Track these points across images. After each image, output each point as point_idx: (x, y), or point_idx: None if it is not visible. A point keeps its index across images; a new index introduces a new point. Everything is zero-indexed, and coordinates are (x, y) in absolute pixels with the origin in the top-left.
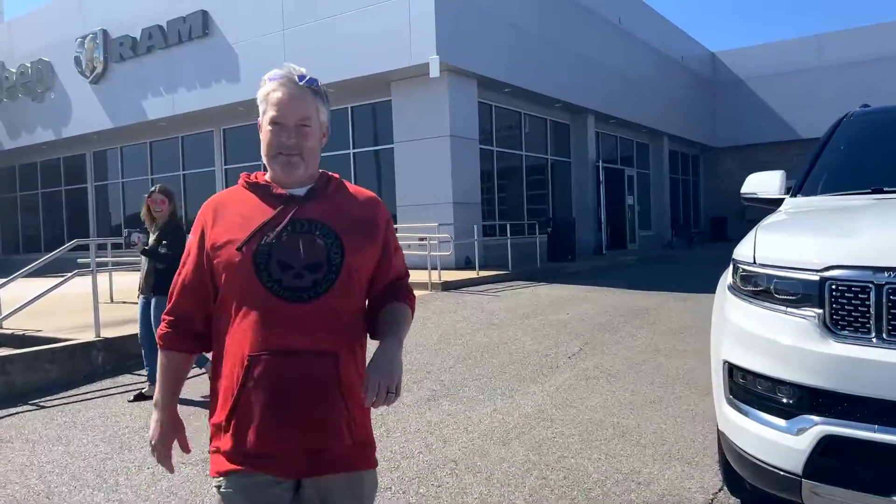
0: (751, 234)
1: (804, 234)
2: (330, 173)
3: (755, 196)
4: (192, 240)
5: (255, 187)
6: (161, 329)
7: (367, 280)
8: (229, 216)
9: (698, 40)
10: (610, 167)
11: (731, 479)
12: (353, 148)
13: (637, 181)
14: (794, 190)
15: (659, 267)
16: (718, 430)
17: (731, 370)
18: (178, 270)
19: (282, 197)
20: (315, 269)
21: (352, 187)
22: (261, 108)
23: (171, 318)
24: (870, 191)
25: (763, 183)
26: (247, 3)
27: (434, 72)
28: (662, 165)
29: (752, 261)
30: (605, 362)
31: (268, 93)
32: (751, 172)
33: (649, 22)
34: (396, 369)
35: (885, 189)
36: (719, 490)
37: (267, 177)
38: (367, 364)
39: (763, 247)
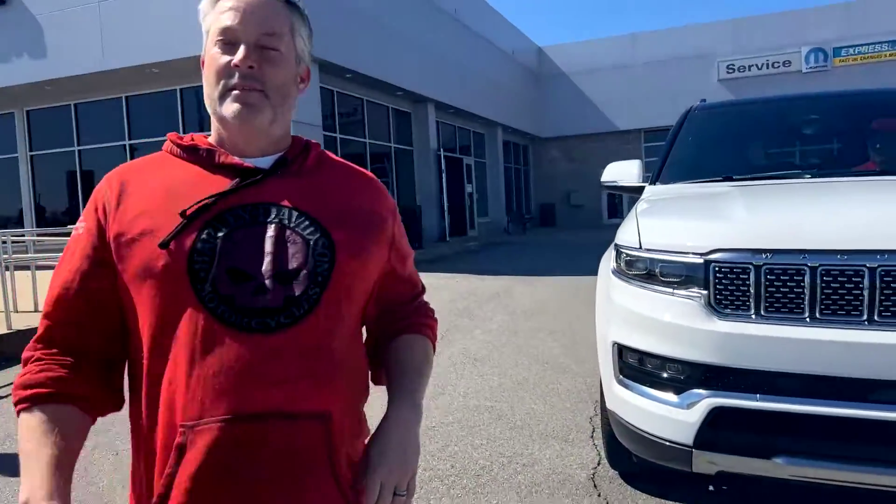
0: (631, 221)
1: (684, 219)
2: (307, 139)
3: (616, 184)
4: (81, 229)
5: (191, 153)
6: (24, 375)
7: (366, 297)
8: (147, 194)
9: (526, 34)
10: (450, 156)
11: (614, 454)
12: (130, 139)
13: (475, 169)
14: (653, 178)
15: (501, 252)
16: (606, 408)
17: (621, 351)
18: (53, 278)
19: (235, 168)
20: (288, 279)
21: (339, 161)
22: (204, 29)
23: (43, 352)
24: (721, 178)
25: (622, 172)
26: None
27: None
28: (497, 154)
29: (637, 246)
30: (470, 347)
31: (215, 1)
32: (573, 161)
33: (482, 14)
34: (410, 457)
35: (734, 177)
36: (598, 464)
37: (210, 139)
38: (368, 438)
39: (647, 232)
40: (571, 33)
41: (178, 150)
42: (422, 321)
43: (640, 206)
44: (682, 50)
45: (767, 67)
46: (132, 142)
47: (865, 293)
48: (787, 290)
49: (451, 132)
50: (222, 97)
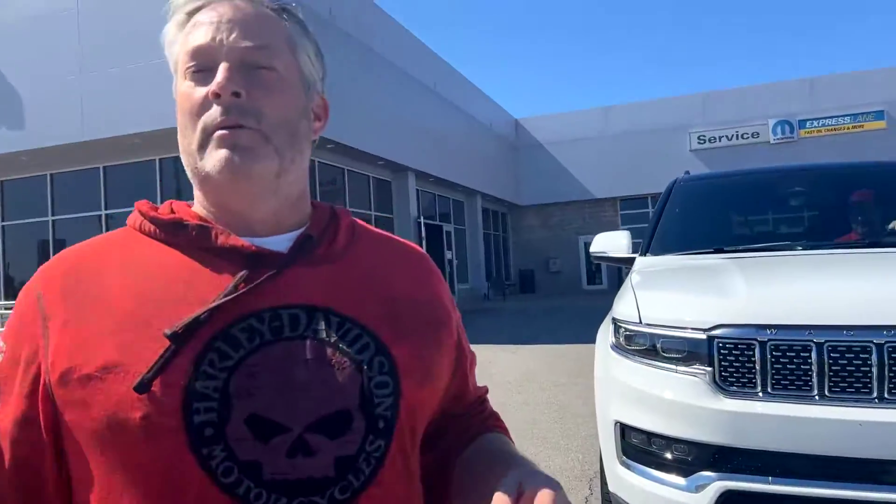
0: (628, 294)
1: (684, 293)
2: (332, 205)
3: (606, 255)
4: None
5: (173, 231)
6: None
7: (425, 426)
8: (109, 300)
9: (503, 107)
10: (430, 223)
11: None
12: (106, 209)
13: (455, 236)
14: (642, 250)
15: (482, 319)
16: (608, 490)
17: (623, 430)
18: None
19: (240, 254)
20: (338, 427)
21: (376, 232)
22: (171, 63)
23: None
24: (711, 250)
25: (612, 242)
26: (35, 39)
27: None
28: (477, 222)
29: (637, 320)
30: None
31: (184, 22)
32: (551, 228)
33: (461, 88)
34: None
35: (724, 249)
36: None
37: (197, 208)
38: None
39: (647, 306)
40: (547, 105)
41: (153, 226)
42: (495, 422)
43: (635, 278)
44: (655, 122)
45: (737, 138)
46: (108, 212)
47: (874, 370)
48: (794, 366)
49: (430, 200)
50: (202, 146)
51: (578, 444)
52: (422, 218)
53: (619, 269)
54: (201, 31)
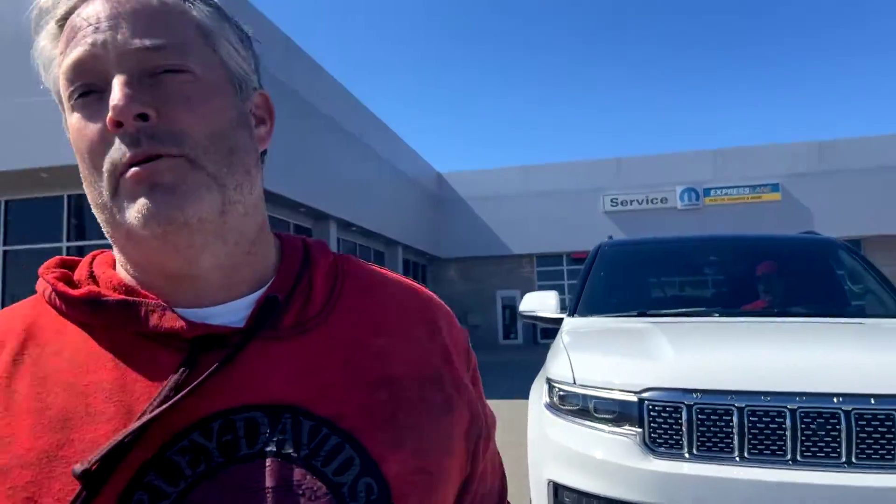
0: (562, 355)
1: (617, 356)
2: (304, 239)
3: (534, 314)
4: None
5: (89, 311)
6: None
7: None
8: (5, 413)
9: (428, 161)
10: None
11: None
12: (4, 245)
13: None
14: (570, 310)
15: None
16: None
17: (557, 489)
18: None
19: (176, 338)
20: None
21: (365, 270)
22: (54, 92)
23: None
24: (635, 314)
25: (541, 302)
26: None
27: None
28: (398, 273)
29: (571, 381)
30: None
31: (57, 34)
32: (471, 282)
33: (387, 139)
34: None
35: (647, 312)
36: None
37: (120, 270)
38: None
39: (580, 368)
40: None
41: (63, 303)
42: None
43: (566, 338)
44: (572, 183)
45: (647, 203)
46: (7, 248)
47: (788, 433)
48: (717, 429)
49: (351, 249)
50: (115, 194)
51: None
52: None
53: (533, 326)
54: (78, 39)
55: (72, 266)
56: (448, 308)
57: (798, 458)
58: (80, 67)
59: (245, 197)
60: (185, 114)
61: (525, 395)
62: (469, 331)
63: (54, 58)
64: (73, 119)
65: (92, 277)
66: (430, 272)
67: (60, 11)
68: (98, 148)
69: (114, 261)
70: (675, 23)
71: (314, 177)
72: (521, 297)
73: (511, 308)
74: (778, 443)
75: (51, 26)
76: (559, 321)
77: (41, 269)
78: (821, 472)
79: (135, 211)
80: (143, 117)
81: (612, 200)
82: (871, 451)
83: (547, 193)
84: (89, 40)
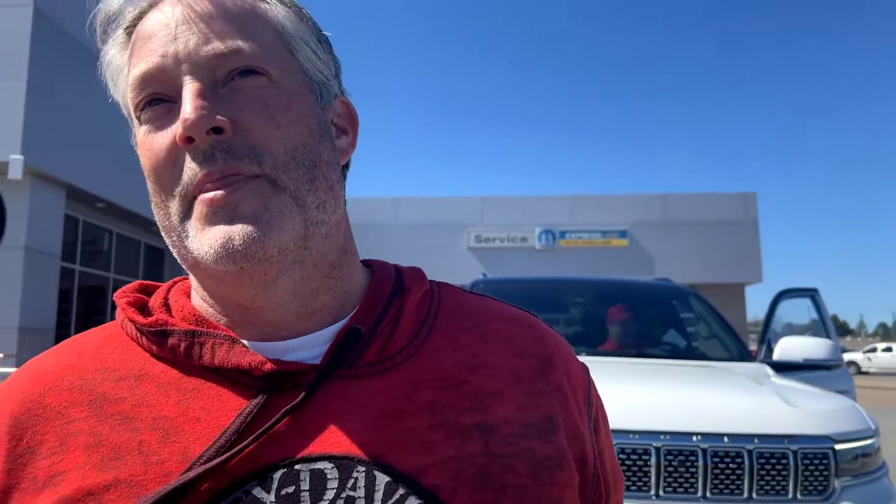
0: None
1: None
2: (394, 266)
3: None
4: None
5: (158, 341)
6: None
7: None
8: (53, 465)
9: None
10: None
11: None
12: None
13: None
14: None
15: None
16: None
17: None
18: None
19: (247, 375)
20: None
21: (464, 298)
22: (123, 105)
23: None
24: None
25: None
26: None
27: (15, 173)
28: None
29: None
30: None
31: (126, 42)
32: None
33: None
34: None
35: None
36: None
37: (196, 299)
38: None
39: None
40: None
41: (138, 332)
42: None
43: None
44: (438, 217)
45: (509, 241)
46: None
47: (652, 470)
48: (637, 468)
49: None
50: (184, 218)
51: None
52: None
53: None
54: (147, 47)
55: (150, 292)
56: (566, 342)
57: (661, 493)
58: (149, 77)
59: (328, 216)
60: (263, 124)
61: None
62: None
63: (122, 67)
64: (141, 133)
65: (166, 305)
66: None
67: (129, 18)
68: (167, 164)
69: (190, 288)
70: (540, 75)
71: None
72: None
73: None
74: (643, 479)
75: (119, 35)
76: None
77: (117, 294)
78: None
79: (208, 242)
80: (216, 130)
81: (476, 237)
82: (724, 486)
83: (415, 226)
84: (159, 48)
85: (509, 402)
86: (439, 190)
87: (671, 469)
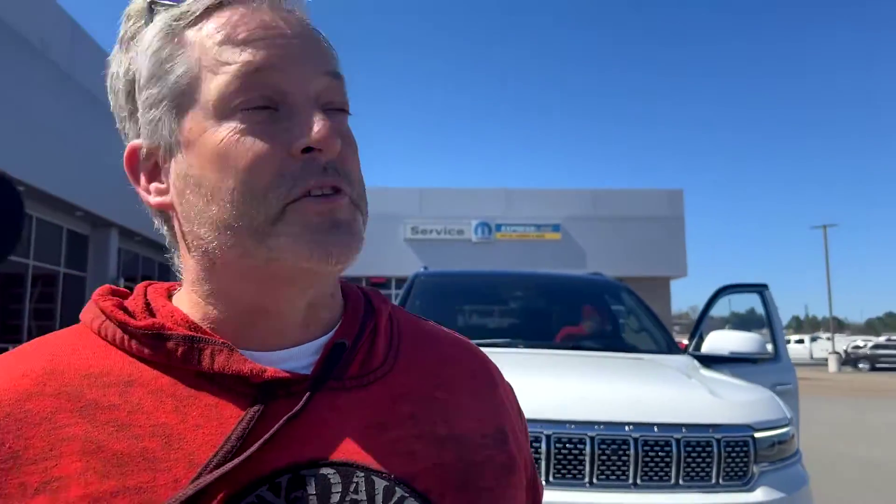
0: None
1: None
2: (364, 289)
3: None
4: None
5: (151, 346)
6: None
7: None
8: (48, 475)
9: None
10: (130, 286)
11: None
12: None
13: None
14: None
15: None
16: None
17: None
18: None
19: (245, 382)
20: None
21: (415, 322)
22: (176, 87)
23: None
24: None
25: None
26: None
27: None
28: None
29: None
30: None
31: (189, 24)
32: None
33: None
34: None
35: None
36: None
37: (183, 299)
38: None
39: None
40: None
41: (124, 336)
42: None
43: None
44: (375, 208)
45: (446, 233)
46: None
47: (587, 458)
48: (572, 456)
49: (134, 261)
50: (276, 221)
51: None
52: (122, 279)
53: None
54: (253, 47)
55: (122, 296)
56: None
57: (594, 480)
58: (264, 79)
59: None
60: (352, 158)
61: None
62: None
63: (185, 45)
64: (231, 129)
65: (149, 310)
66: None
67: (200, 7)
68: (268, 168)
69: (168, 293)
70: (476, 68)
71: (94, 176)
72: None
73: None
74: (578, 467)
75: (171, 23)
76: None
77: (95, 296)
78: (612, 492)
79: (311, 242)
80: (333, 135)
81: (412, 228)
82: (653, 474)
83: None
84: (276, 53)
85: (471, 416)
86: (377, 180)
87: (605, 458)
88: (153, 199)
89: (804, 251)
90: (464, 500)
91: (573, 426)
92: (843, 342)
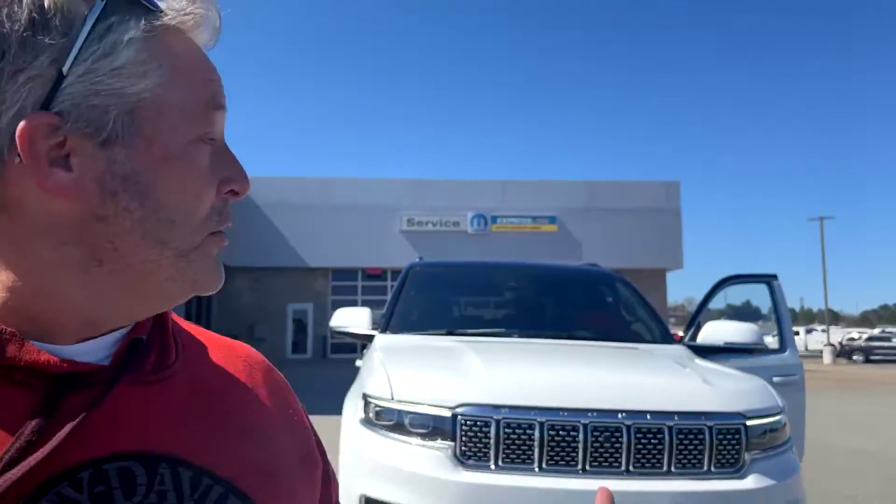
0: (378, 371)
1: (433, 373)
2: None
3: (346, 330)
4: None
5: None
6: None
7: None
8: None
9: None
10: None
11: None
12: None
13: None
14: (382, 327)
15: None
16: None
17: (367, 503)
18: None
19: (39, 374)
20: None
21: (188, 326)
22: (152, 83)
23: None
24: (444, 332)
25: (352, 318)
26: None
27: None
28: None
29: (389, 397)
30: None
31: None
32: (259, 293)
33: None
34: None
35: (455, 331)
36: None
37: None
38: None
39: (398, 384)
40: (262, 168)
41: None
42: None
43: (380, 355)
44: (371, 199)
45: (441, 225)
46: None
47: (580, 445)
48: (521, 442)
49: None
50: (196, 248)
51: None
52: None
53: (323, 339)
54: (216, 79)
55: None
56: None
57: (587, 467)
58: (221, 112)
59: None
60: None
61: (320, 410)
62: (255, 344)
63: (153, 60)
64: (191, 155)
65: None
66: None
67: (188, 20)
68: (208, 201)
69: None
70: (471, 62)
71: None
72: (313, 311)
73: (301, 322)
74: (571, 454)
75: (155, 23)
76: (371, 337)
77: None
78: (606, 479)
79: (213, 271)
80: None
81: (408, 220)
82: (645, 461)
83: (346, 207)
84: (221, 90)
85: (264, 410)
86: (372, 172)
87: (597, 445)
88: (51, 185)
89: (800, 244)
90: (266, 488)
91: (566, 413)
92: (839, 334)
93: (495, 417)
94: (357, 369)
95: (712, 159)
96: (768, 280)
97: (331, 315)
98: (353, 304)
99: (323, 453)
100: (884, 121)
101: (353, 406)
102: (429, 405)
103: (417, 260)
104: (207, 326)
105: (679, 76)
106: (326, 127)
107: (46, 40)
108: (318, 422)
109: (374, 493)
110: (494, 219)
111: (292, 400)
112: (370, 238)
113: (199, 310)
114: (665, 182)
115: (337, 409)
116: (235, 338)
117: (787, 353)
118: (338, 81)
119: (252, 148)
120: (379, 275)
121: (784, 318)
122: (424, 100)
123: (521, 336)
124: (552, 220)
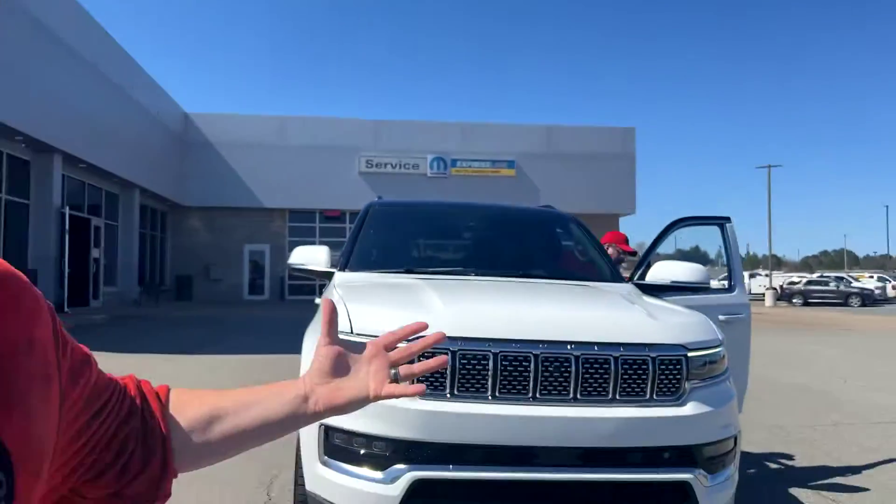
0: (339, 307)
1: (391, 307)
2: None
3: (305, 267)
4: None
5: None
6: None
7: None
8: None
9: (174, 98)
10: (76, 215)
11: None
12: None
13: (105, 233)
14: (341, 265)
15: (134, 326)
16: (307, 491)
17: (328, 431)
18: None
19: None
20: None
21: None
22: None
23: None
24: (403, 270)
25: (311, 256)
26: None
27: None
28: (132, 219)
29: (349, 331)
30: None
31: None
32: (215, 233)
33: (126, 70)
34: None
35: (413, 270)
36: None
37: None
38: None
39: (357, 318)
40: (222, 105)
41: None
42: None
43: (340, 291)
44: (330, 140)
45: (401, 167)
46: None
47: (531, 375)
48: (476, 372)
49: (79, 189)
50: None
51: (257, 453)
52: (66, 208)
53: (280, 280)
54: None
55: None
56: (16, 271)
57: (537, 395)
58: None
59: None
60: None
61: (279, 349)
62: (211, 285)
63: None
64: None
65: None
66: (170, 220)
67: None
68: None
69: None
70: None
71: (36, 101)
72: (270, 253)
73: (258, 263)
74: (523, 383)
75: None
76: (330, 275)
77: None
78: (554, 406)
79: None
80: None
81: (367, 162)
82: (592, 389)
83: (304, 148)
84: None
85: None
86: (331, 111)
87: (547, 374)
88: None
89: (750, 192)
90: (8, 413)
91: (518, 345)
92: (781, 279)
93: (451, 349)
94: (316, 307)
95: (669, 108)
96: (721, 222)
97: (288, 256)
98: (312, 245)
99: (72, 353)
100: (835, 72)
101: (311, 342)
102: None
103: (377, 199)
104: (161, 266)
105: (642, 19)
106: (282, 64)
107: None
108: (278, 361)
109: (332, 422)
110: (454, 162)
111: (41, 317)
112: (328, 179)
113: (152, 248)
114: (622, 129)
115: (296, 349)
116: (189, 278)
117: (735, 292)
118: (296, 13)
119: (205, 83)
120: (337, 216)
121: (735, 260)
122: (385, 41)
123: (477, 274)
124: (510, 164)
